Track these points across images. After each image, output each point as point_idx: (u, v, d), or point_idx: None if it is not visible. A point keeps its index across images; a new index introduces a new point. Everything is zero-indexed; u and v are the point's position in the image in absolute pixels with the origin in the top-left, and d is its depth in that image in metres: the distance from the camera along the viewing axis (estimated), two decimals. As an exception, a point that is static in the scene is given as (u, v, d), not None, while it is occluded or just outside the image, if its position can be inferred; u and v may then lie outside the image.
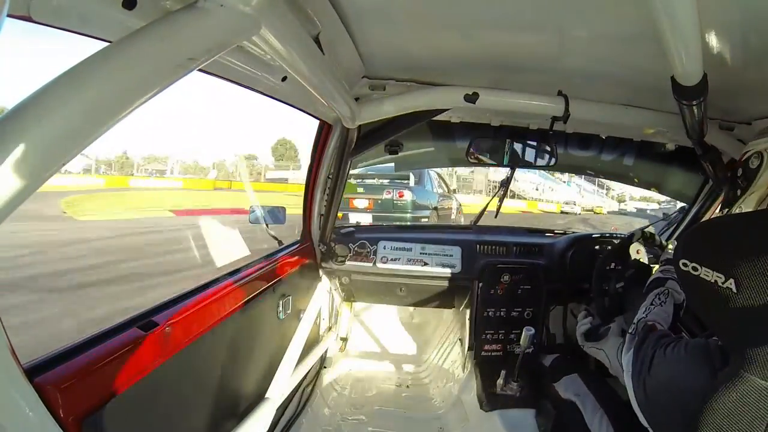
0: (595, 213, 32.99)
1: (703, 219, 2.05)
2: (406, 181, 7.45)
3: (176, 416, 1.04)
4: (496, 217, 2.29)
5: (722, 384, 0.69)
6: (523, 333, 1.76)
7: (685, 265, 0.70)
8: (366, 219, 6.54)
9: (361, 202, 7.06)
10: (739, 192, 0.90)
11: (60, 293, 4.78)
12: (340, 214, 5.41)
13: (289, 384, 1.65)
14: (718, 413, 0.68)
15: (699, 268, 0.67)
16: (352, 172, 2.16)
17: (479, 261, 2.13)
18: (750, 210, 1.00)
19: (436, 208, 7.79)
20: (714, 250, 0.68)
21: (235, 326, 1.29)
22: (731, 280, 0.63)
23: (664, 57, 0.91)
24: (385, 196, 7.09)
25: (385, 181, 7.25)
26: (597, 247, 2.13)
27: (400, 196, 7.12)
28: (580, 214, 30.71)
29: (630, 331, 1.09)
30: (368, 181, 7.24)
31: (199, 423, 1.15)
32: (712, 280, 0.65)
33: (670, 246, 1.50)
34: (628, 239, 1.69)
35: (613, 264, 1.81)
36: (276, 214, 1.87)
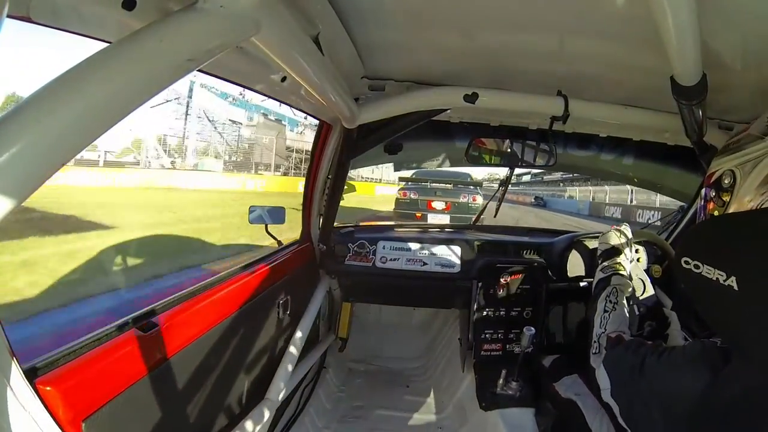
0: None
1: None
2: (476, 188, 8.87)
3: (176, 416, 1.04)
4: (495, 216, 2.29)
5: (724, 382, 0.69)
6: (524, 332, 1.76)
7: (686, 263, 0.70)
8: (444, 219, 7.80)
9: (439, 204, 8.17)
10: (716, 213, 0.89)
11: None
12: (419, 214, 6.61)
13: (289, 384, 1.65)
14: (721, 411, 0.68)
15: (701, 266, 0.67)
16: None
17: (478, 261, 2.13)
18: None
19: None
20: (715, 249, 0.68)
21: (235, 326, 1.29)
22: (733, 278, 0.63)
23: (663, 57, 0.91)
24: (462, 199, 8.22)
25: (448, 186, 8.46)
26: (597, 246, 2.13)
27: (474, 200, 8.21)
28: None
29: (593, 350, 1.07)
30: (435, 185, 8.44)
31: (199, 423, 1.14)
32: (714, 278, 0.65)
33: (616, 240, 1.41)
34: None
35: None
36: (276, 214, 1.88)
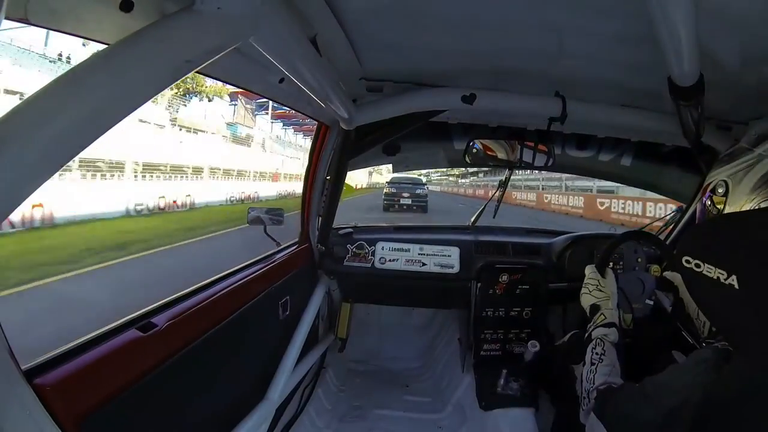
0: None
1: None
2: (424, 185, 17.06)
3: (176, 417, 1.04)
4: (494, 216, 2.29)
5: (726, 380, 0.70)
6: (528, 348, 1.77)
7: (687, 261, 0.70)
8: (408, 201, 15.60)
9: (405, 194, 15.71)
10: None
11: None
12: (397, 198, 16.96)
13: (288, 384, 1.65)
14: (723, 409, 0.68)
15: (702, 264, 0.68)
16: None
17: (477, 261, 2.13)
18: None
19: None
20: (717, 247, 0.68)
21: (235, 327, 1.30)
22: (733, 277, 0.63)
23: (660, 58, 0.91)
24: (416, 192, 15.92)
25: (410, 185, 16.26)
26: (596, 246, 2.13)
27: (423, 192, 16.30)
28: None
29: (583, 407, 1.06)
30: (403, 185, 16.10)
31: (199, 424, 1.14)
32: (715, 277, 0.65)
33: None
34: (620, 239, 1.68)
35: (611, 263, 1.82)
36: (274, 216, 1.88)
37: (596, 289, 1.36)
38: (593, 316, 1.30)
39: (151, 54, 0.59)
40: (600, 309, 1.29)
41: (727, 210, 0.87)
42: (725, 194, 0.88)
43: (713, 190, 0.92)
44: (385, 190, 16.56)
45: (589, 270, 1.42)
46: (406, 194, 15.58)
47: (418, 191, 15.75)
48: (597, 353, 1.14)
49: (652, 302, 1.47)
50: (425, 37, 1.18)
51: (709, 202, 0.93)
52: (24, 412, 0.61)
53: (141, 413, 0.90)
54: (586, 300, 1.36)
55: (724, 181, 0.89)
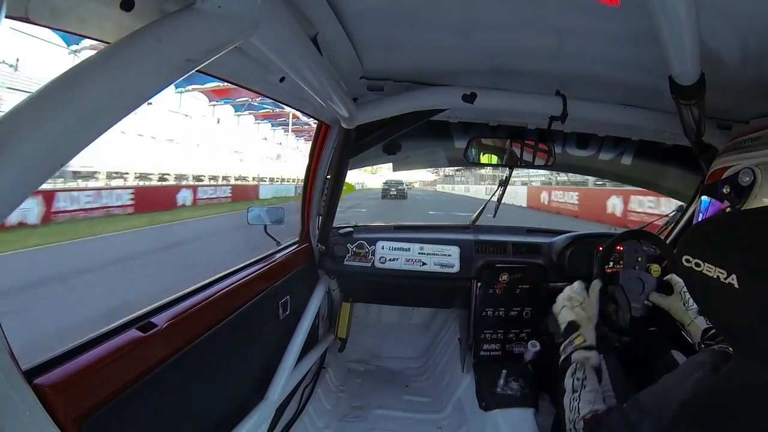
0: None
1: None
2: (405, 185, 29.48)
3: (176, 417, 1.04)
4: (494, 216, 2.29)
5: (725, 379, 0.69)
6: (528, 348, 1.76)
7: (687, 261, 0.70)
8: (394, 192, 26.27)
9: (393, 189, 26.51)
10: (728, 209, 0.87)
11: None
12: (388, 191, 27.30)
13: (288, 384, 1.65)
14: (720, 408, 0.68)
15: (702, 264, 0.67)
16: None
17: (477, 261, 2.13)
18: None
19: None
20: (717, 247, 0.68)
21: (235, 327, 1.29)
22: (733, 276, 0.63)
23: (661, 56, 0.91)
24: (400, 188, 26.94)
25: (395, 183, 27.53)
26: (596, 246, 2.13)
27: (405, 189, 28.10)
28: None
29: None
30: (391, 184, 27.11)
31: (199, 424, 1.14)
32: (715, 276, 0.65)
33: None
34: (620, 238, 1.68)
35: (612, 262, 1.82)
36: (275, 215, 1.87)
37: (579, 308, 1.31)
38: (568, 333, 1.24)
39: (152, 53, 0.59)
40: (579, 329, 1.24)
41: (752, 202, 0.81)
42: (751, 185, 0.83)
43: (734, 178, 0.85)
44: (382, 187, 27.54)
45: (578, 286, 1.38)
46: (393, 189, 26.04)
47: (400, 188, 26.63)
48: (578, 378, 1.09)
49: (650, 303, 1.47)
50: (426, 36, 1.17)
51: (727, 190, 0.87)
52: (24, 412, 0.61)
53: (141, 413, 0.90)
54: (566, 315, 1.31)
55: (751, 170, 0.83)
